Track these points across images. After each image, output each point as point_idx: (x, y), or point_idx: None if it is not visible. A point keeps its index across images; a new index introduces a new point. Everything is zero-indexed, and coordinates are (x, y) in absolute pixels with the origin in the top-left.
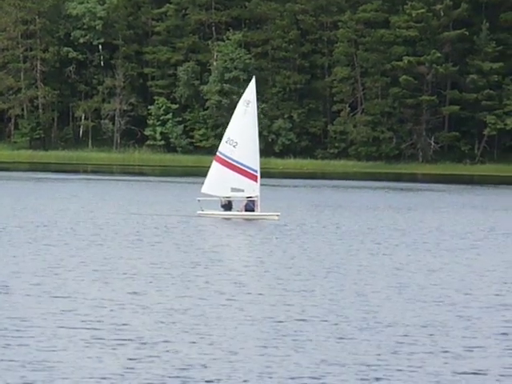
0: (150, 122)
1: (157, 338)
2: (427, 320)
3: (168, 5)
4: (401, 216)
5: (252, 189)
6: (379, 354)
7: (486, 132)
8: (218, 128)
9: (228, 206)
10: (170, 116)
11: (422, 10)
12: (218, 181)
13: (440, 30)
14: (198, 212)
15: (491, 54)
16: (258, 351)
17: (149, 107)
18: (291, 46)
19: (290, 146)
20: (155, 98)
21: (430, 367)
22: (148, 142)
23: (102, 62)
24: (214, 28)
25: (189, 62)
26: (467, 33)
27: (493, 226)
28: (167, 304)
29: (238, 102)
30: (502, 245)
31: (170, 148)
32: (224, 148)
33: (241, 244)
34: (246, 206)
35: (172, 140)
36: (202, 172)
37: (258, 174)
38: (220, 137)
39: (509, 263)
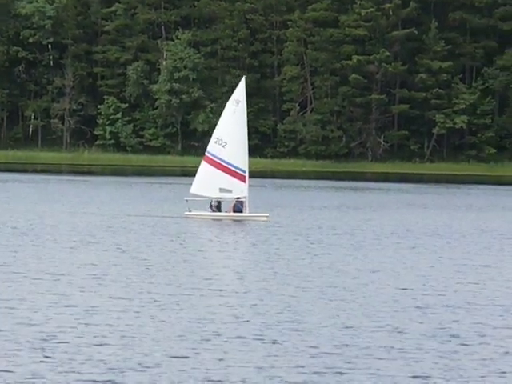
0: (100, 121)
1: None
2: (344, 319)
3: (117, 4)
4: (344, 215)
5: (240, 189)
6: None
7: (435, 131)
8: (168, 127)
9: (217, 207)
10: (119, 115)
11: (371, 9)
12: (207, 181)
13: (389, 29)
14: (186, 213)
15: (440, 52)
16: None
17: (98, 106)
18: (240, 46)
19: None
20: (105, 97)
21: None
22: (98, 142)
23: (51, 62)
24: (163, 27)
25: (138, 61)
26: (416, 32)
27: (437, 226)
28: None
29: (187, 101)
30: (441, 245)
31: (119, 147)
32: (213, 148)
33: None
34: (234, 206)
35: (122, 139)
36: (151, 171)
37: (247, 175)
38: (169, 136)
39: (444, 263)
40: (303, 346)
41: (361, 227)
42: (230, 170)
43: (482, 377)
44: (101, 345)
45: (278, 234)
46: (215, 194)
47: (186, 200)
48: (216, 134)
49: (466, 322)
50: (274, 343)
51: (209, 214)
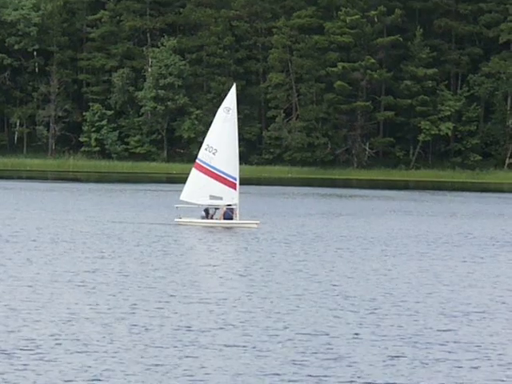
0: (85, 128)
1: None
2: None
3: (103, 11)
4: (327, 222)
5: (231, 196)
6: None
7: (420, 138)
8: (153, 134)
9: (209, 214)
10: (104, 122)
11: (356, 17)
12: (197, 188)
13: (374, 36)
14: (176, 219)
15: (425, 59)
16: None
17: (84, 113)
18: (226, 52)
19: None
20: (90, 104)
21: None
22: (83, 149)
23: (36, 69)
24: (148, 34)
25: (123, 68)
26: (401, 39)
27: (421, 232)
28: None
29: (172, 108)
30: (422, 251)
31: (105, 154)
32: (203, 155)
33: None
34: (224, 213)
35: (107, 146)
36: (137, 178)
37: (237, 182)
38: (154, 143)
39: (423, 270)
40: (285, 354)
41: (345, 234)
42: (221, 177)
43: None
44: (83, 352)
45: (265, 241)
46: (206, 201)
47: (177, 207)
48: (207, 141)
49: (452, 329)
50: (255, 350)
51: (199, 220)
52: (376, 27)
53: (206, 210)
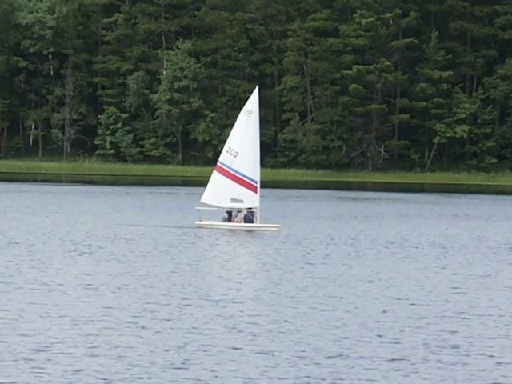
0: (100, 131)
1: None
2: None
3: (117, 14)
4: (344, 226)
5: (252, 200)
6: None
7: (435, 140)
8: (168, 137)
9: (232, 216)
10: (119, 125)
11: (371, 19)
12: (218, 191)
13: (389, 39)
14: (197, 222)
15: (440, 62)
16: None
17: (98, 116)
18: (241, 55)
19: None
20: (105, 107)
21: None
22: (98, 152)
23: (51, 72)
24: (163, 37)
25: (138, 71)
26: (416, 41)
27: (435, 236)
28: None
29: (187, 111)
30: (436, 254)
31: (119, 157)
32: (224, 158)
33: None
34: (245, 217)
35: (122, 149)
36: (152, 181)
37: (259, 185)
38: (169, 145)
39: (439, 272)
40: (297, 357)
41: (359, 237)
42: (242, 179)
43: None
44: (94, 356)
45: (282, 244)
46: (227, 203)
47: (198, 209)
48: (228, 143)
49: (463, 333)
50: (267, 354)
51: (220, 223)
52: (391, 30)
53: (229, 213)
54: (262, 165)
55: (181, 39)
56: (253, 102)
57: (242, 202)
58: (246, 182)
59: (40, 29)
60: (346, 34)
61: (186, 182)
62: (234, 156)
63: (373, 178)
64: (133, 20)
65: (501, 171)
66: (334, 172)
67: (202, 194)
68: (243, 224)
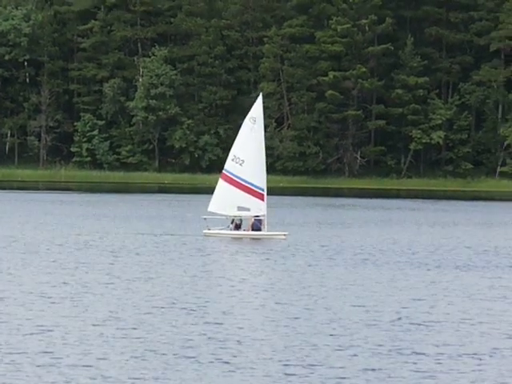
0: (76, 138)
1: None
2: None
3: (93, 21)
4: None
5: (258, 208)
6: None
7: (411, 146)
8: (145, 144)
9: (239, 225)
10: (96, 132)
11: (347, 25)
12: (225, 199)
13: (365, 45)
14: (204, 231)
15: (416, 68)
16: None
17: (75, 124)
18: (217, 62)
19: (216, 162)
20: (81, 114)
21: None
22: (74, 159)
23: (27, 79)
24: (139, 44)
25: (114, 78)
26: (392, 47)
27: (406, 242)
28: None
29: (164, 118)
30: (405, 261)
31: (96, 164)
32: (230, 166)
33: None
34: (252, 225)
35: (98, 156)
36: (128, 188)
37: (265, 193)
38: (146, 152)
39: (403, 279)
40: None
41: (334, 244)
42: (248, 187)
43: None
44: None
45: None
46: (233, 212)
47: (204, 218)
48: (233, 151)
49: (419, 338)
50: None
51: (227, 232)
52: (367, 36)
53: (236, 221)
54: None
55: (157, 46)
56: (257, 109)
57: (248, 210)
58: (253, 189)
59: (16, 36)
60: (322, 41)
61: (162, 189)
62: (240, 164)
63: (349, 184)
64: (109, 27)
65: (477, 177)
66: (311, 178)
67: (180, 201)
68: (251, 232)
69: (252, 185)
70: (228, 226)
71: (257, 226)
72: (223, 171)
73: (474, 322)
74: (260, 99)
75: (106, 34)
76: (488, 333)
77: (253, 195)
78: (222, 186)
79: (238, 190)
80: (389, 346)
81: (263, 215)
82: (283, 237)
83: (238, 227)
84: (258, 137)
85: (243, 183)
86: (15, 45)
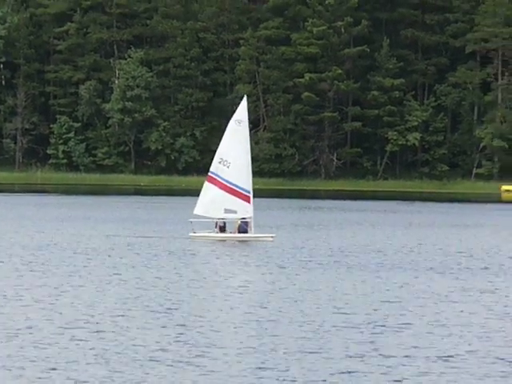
0: (53, 140)
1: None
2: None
3: (69, 23)
4: (298, 234)
5: (245, 210)
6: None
7: (387, 148)
8: (121, 146)
9: (223, 227)
10: (72, 134)
11: (323, 27)
12: (211, 202)
13: (341, 47)
14: (190, 234)
15: (392, 70)
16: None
17: (51, 126)
18: (193, 64)
19: (192, 164)
20: (57, 116)
21: None
22: (51, 161)
23: (3, 81)
24: (115, 46)
25: (90, 80)
26: (368, 49)
27: (382, 244)
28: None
29: (140, 120)
30: (378, 262)
31: (72, 166)
32: (216, 168)
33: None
34: (239, 227)
35: (74, 158)
36: (105, 190)
37: (251, 195)
38: (122, 154)
39: (376, 282)
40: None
41: (308, 246)
42: (234, 190)
43: None
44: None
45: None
46: (220, 214)
47: (191, 221)
48: (219, 154)
49: (391, 341)
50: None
51: (214, 235)
52: (343, 38)
53: (219, 224)
54: None
55: (133, 48)
56: (242, 111)
57: (235, 212)
58: (239, 192)
59: None
60: (298, 43)
61: (138, 191)
62: (227, 166)
63: (326, 185)
64: (85, 29)
65: (453, 179)
66: (287, 180)
67: (156, 203)
68: (238, 234)
69: (238, 187)
70: (214, 230)
71: (243, 228)
72: (209, 173)
73: (447, 325)
74: (245, 101)
75: (81, 36)
76: (460, 335)
77: (239, 197)
78: (208, 188)
79: (225, 193)
80: (361, 349)
81: (250, 217)
82: (270, 239)
83: (222, 229)
84: (243, 139)
85: (229, 185)
86: None
